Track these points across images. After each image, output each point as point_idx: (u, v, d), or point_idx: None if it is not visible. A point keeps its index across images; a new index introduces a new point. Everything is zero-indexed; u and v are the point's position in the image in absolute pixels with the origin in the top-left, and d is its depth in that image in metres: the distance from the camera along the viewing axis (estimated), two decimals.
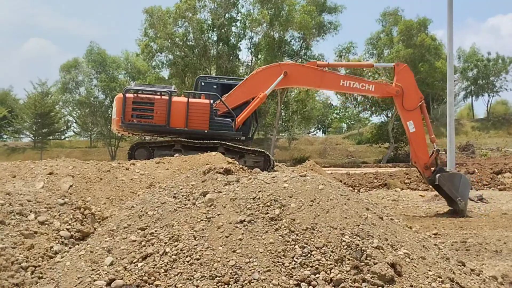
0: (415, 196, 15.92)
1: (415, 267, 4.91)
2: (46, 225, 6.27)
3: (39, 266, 5.52)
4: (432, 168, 16.06)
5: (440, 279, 4.83)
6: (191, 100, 17.17)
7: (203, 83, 18.35)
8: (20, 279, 5.23)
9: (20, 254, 5.57)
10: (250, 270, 4.61)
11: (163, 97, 17.01)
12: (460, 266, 5.63)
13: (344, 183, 18.86)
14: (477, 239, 9.38)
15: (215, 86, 18.20)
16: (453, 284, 4.86)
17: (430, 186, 18.53)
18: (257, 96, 17.77)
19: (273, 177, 6.17)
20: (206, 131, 17.25)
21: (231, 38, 52.72)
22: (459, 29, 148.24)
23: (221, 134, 17.60)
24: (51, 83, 67.87)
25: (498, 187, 19.20)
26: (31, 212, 6.41)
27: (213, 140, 16.61)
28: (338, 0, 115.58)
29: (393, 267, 4.68)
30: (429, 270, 4.94)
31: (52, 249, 5.86)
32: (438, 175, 15.57)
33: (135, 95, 16.66)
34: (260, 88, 17.81)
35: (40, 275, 5.33)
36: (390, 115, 54.90)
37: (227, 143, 16.69)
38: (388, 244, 5.12)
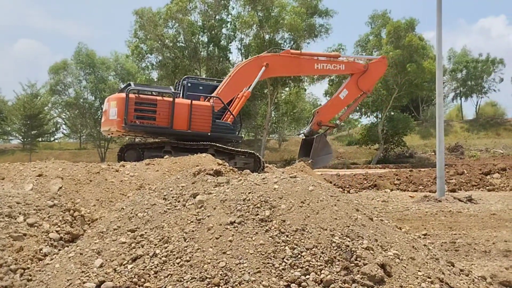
0: (404, 197, 15.95)
1: (405, 267, 4.93)
2: (36, 227, 6.24)
3: (28, 268, 5.49)
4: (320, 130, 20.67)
5: (430, 280, 4.85)
6: (194, 102, 17.13)
7: (189, 84, 18.34)
8: (9, 282, 5.20)
9: (9, 256, 5.54)
10: (240, 272, 4.61)
11: (166, 98, 16.99)
12: (450, 266, 5.65)
13: (334, 184, 18.91)
14: (466, 239, 9.42)
15: (201, 87, 18.23)
16: (442, 285, 4.88)
17: (420, 187, 18.86)
18: (242, 93, 17.98)
19: (263, 179, 6.18)
20: (209, 134, 17.34)
21: (221, 40, 52.65)
22: (450, 30, 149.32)
23: (222, 136, 17.74)
24: (41, 84, 67.53)
25: (487, 188, 19.28)
26: (20, 214, 6.37)
27: (216, 143, 16.68)
28: (329, 4, 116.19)
29: (383, 268, 4.70)
30: (419, 271, 4.96)
31: (41, 251, 5.83)
32: (318, 135, 20.06)
33: (138, 95, 16.56)
34: (245, 83, 18.01)
35: (29, 278, 5.30)
36: (380, 116, 55.01)
37: (217, 145, 16.68)
38: (378, 245, 5.13)
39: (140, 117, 16.45)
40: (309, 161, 18.96)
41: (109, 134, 18.58)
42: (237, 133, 18.89)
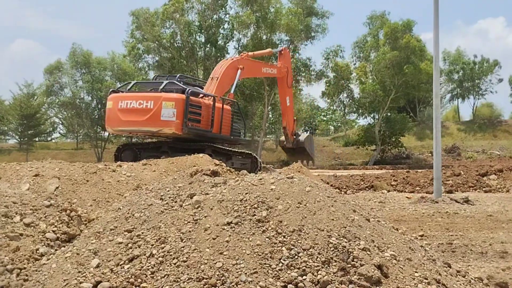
0: (401, 198, 15.96)
1: (402, 268, 4.93)
2: (32, 227, 6.23)
3: (25, 268, 5.48)
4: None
5: (426, 281, 4.85)
6: (220, 105, 17.01)
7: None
8: (6, 282, 5.19)
9: (5, 256, 5.53)
10: (237, 272, 4.61)
11: (207, 101, 16.87)
12: (446, 267, 5.66)
13: (331, 185, 18.90)
14: (463, 240, 9.44)
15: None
16: (439, 286, 4.88)
17: (417, 188, 18.90)
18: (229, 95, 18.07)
19: (260, 179, 6.17)
20: (231, 137, 17.46)
21: (219, 40, 52.68)
22: (448, 31, 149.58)
23: (237, 139, 17.87)
24: (38, 85, 67.40)
25: (484, 189, 19.31)
26: (16, 214, 6.36)
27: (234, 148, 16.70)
28: (326, 5, 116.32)
29: (379, 269, 4.70)
30: (416, 272, 4.96)
31: (38, 251, 5.82)
32: (300, 137, 21.53)
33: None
34: (228, 85, 18.06)
35: (26, 278, 5.29)
36: (377, 117, 55.07)
37: (214, 145, 16.66)
38: (375, 245, 5.13)
39: (192, 120, 16.11)
40: (314, 158, 20.66)
41: (153, 135, 17.52)
42: (243, 135, 18.99)
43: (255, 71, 20.43)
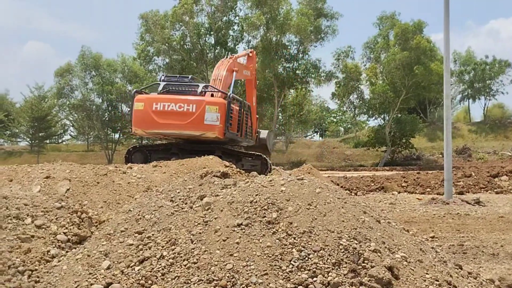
0: (412, 200, 15.91)
1: (413, 270, 4.91)
2: (43, 229, 6.26)
3: (36, 270, 5.51)
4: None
5: (438, 282, 4.83)
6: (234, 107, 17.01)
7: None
8: (17, 283, 5.22)
9: (17, 258, 5.56)
10: (248, 274, 4.60)
11: (235, 105, 16.94)
12: (457, 269, 5.63)
13: (341, 187, 18.86)
14: (474, 242, 9.39)
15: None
16: (450, 287, 4.86)
17: (428, 190, 18.84)
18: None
19: (271, 181, 6.17)
20: (255, 143, 17.66)
21: (228, 41, 52.76)
22: (459, 31, 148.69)
23: (248, 142, 18.03)
24: (49, 87, 67.74)
25: (495, 190, 19.21)
26: (28, 216, 6.40)
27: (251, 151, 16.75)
28: (336, 6, 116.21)
29: (390, 270, 4.68)
30: (427, 273, 4.94)
31: (49, 253, 5.85)
32: (261, 135, 20.78)
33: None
34: (228, 87, 18.05)
35: (37, 279, 5.32)
36: (387, 118, 54.92)
37: (224, 147, 16.65)
38: (386, 247, 5.12)
39: (230, 124, 16.24)
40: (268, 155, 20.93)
41: (197, 138, 17.39)
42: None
43: (241, 73, 20.46)
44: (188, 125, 15.79)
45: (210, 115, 15.66)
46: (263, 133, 21.38)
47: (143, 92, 17.06)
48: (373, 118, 58.94)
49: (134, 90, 16.18)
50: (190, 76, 18.65)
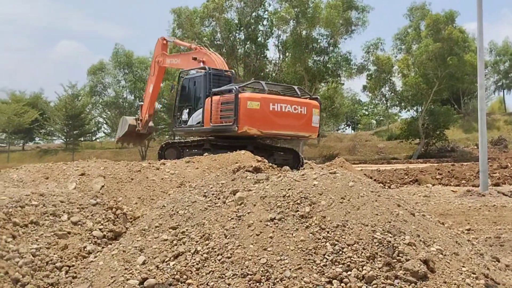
0: (446, 192, 15.69)
1: (448, 263, 4.85)
2: (79, 226, 6.36)
3: (73, 266, 5.60)
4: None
5: (474, 275, 4.76)
6: None
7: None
8: (55, 279, 5.32)
9: (54, 254, 5.66)
10: (282, 268, 4.61)
11: None
12: (495, 262, 5.56)
13: (375, 180, 18.71)
14: (511, 234, 9.23)
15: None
16: (487, 280, 4.79)
17: (463, 182, 18.60)
18: None
19: (303, 175, 6.16)
20: None
21: (258, 37, 52.71)
22: (494, 20, 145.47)
23: None
24: (82, 85, 68.66)
25: None
26: (64, 212, 6.50)
27: None
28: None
29: (425, 264, 4.63)
30: (463, 266, 4.88)
31: (85, 249, 5.94)
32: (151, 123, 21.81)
33: None
34: None
35: (74, 275, 5.41)
36: (420, 110, 54.29)
37: (256, 141, 16.61)
38: (420, 240, 5.07)
39: None
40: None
41: (302, 139, 18.05)
42: None
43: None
44: (301, 127, 16.35)
45: (316, 117, 16.46)
46: (151, 122, 22.01)
47: (245, 90, 16.72)
48: (406, 110, 58.35)
49: (238, 86, 15.80)
50: (231, 71, 18.70)
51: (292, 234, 5.01)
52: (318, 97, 17.30)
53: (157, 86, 22.81)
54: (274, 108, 15.66)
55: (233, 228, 5.25)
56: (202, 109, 16.48)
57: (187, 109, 17.43)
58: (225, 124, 15.69)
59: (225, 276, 4.62)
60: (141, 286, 4.75)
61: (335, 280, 4.49)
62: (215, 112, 15.82)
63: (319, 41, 51.07)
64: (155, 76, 22.15)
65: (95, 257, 5.72)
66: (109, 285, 4.88)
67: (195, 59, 18.88)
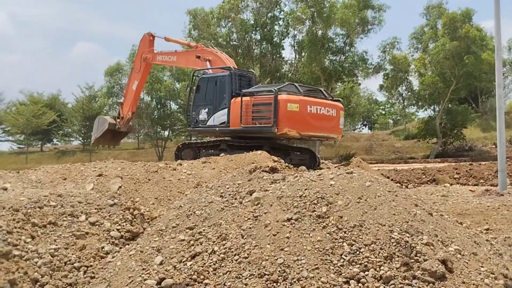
0: (465, 191, 15.54)
1: (467, 263, 4.82)
2: (97, 226, 6.40)
3: (91, 266, 5.65)
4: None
5: (493, 276, 4.73)
6: None
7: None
8: (73, 279, 5.36)
9: (72, 254, 5.71)
10: (299, 268, 4.61)
11: None
12: None
13: (392, 179, 18.62)
14: None
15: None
16: (506, 281, 4.75)
17: (481, 181, 18.45)
18: None
19: (319, 175, 6.15)
20: None
21: (274, 37, 52.67)
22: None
23: None
24: (99, 87, 69.02)
25: None
26: (82, 213, 6.55)
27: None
28: None
29: (444, 264, 4.61)
30: (482, 266, 4.84)
31: (103, 249, 5.98)
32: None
33: None
34: None
35: (92, 275, 5.45)
36: (437, 109, 53.90)
37: (272, 141, 16.59)
38: (438, 240, 5.04)
39: None
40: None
41: (331, 140, 18.59)
42: None
43: None
44: (332, 129, 16.76)
45: (342, 119, 16.95)
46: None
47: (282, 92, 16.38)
48: (423, 109, 57.98)
49: (277, 88, 15.72)
50: (252, 72, 18.84)
51: (309, 234, 5.00)
52: (341, 99, 17.64)
53: (142, 83, 22.71)
54: (311, 110, 15.79)
55: (250, 228, 5.26)
56: (227, 109, 16.43)
57: (206, 109, 17.30)
58: (260, 126, 15.79)
59: (242, 276, 4.62)
60: (158, 286, 4.78)
61: (352, 280, 4.47)
62: (245, 113, 15.82)
63: (335, 40, 50.90)
64: (141, 73, 21.98)
65: (113, 257, 5.75)
66: (127, 285, 4.91)
67: (198, 57, 18.88)
